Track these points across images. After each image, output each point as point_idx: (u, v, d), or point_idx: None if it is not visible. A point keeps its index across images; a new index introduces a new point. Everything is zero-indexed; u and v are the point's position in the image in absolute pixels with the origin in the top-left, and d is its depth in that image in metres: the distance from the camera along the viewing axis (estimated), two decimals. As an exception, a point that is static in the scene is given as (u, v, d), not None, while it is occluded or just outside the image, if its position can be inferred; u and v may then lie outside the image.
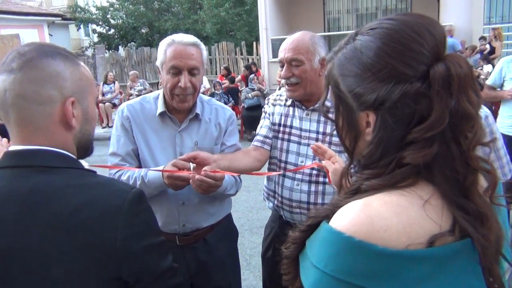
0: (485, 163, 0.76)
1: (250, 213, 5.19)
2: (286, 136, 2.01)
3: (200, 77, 1.81)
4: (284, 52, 1.87)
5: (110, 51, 17.92)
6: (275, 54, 12.46)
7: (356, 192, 0.79)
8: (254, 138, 2.08)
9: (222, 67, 12.24)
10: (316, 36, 1.91)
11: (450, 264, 0.71)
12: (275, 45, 12.59)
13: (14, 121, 0.97)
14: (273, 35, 12.78)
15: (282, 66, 1.89)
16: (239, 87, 10.66)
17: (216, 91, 9.89)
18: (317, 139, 1.94)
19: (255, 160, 1.97)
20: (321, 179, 1.91)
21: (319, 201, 1.91)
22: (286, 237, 0.85)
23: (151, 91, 11.01)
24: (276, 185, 2.03)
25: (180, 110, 1.85)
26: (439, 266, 0.70)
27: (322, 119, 1.95)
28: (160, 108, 1.85)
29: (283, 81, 1.94)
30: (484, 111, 1.86)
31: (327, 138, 1.91)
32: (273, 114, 2.08)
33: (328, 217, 0.76)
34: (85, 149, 1.09)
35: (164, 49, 1.77)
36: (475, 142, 0.74)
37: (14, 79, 0.94)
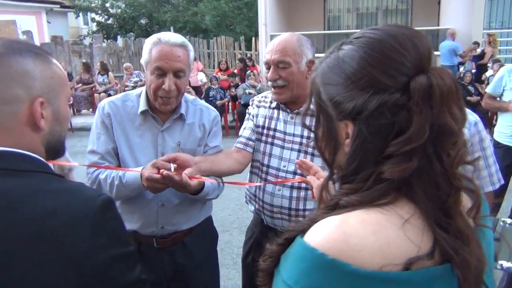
0: (469, 182, 0.74)
1: (240, 211, 5.16)
2: (269, 139, 1.97)
3: (185, 79, 1.76)
4: (270, 53, 1.83)
5: (108, 41, 17.82)
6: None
7: (335, 208, 0.76)
8: (237, 140, 2.04)
9: (223, 61, 12.20)
10: (303, 38, 1.86)
11: None
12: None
13: None
14: (272, 31, 12.72)
15: (268, 68, 1.85)
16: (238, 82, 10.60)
17: (213, 86, 9.84)
18: (301, 143, 1.90)
19: (237, 162, 1.93)
20: (303, 184, 1.87)
21: (301, 207, 1.88)
22: (267, 242, 0.83)
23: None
24: (257, 189, 1.99)
25: (163, 111, 1.80)
26: None
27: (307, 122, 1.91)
28: (142, 106, 1.80)
29: (269, 83, 1.89)
30: (474, 117, 1.83)
31: (312, 144, 1.87)
32: (257, 116, 2.04)
33: (305, 231, 0.73)
34: (55, 151, 1.04)
35: (150, 48, 1.71)
36: (458, 160, 0.72)
37: None
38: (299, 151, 1.90)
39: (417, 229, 0.70)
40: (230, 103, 10.14)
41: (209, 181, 1.73)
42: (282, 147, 1.93)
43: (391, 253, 0.66)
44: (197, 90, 10.60)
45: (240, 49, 15.00)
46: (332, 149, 0.83)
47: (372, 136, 0.72)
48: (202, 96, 9.80)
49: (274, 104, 1.99)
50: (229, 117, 10.30)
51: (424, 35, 0.78)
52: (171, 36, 1.72)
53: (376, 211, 0.71)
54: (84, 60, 12.96)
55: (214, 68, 13.45)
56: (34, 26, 18.10)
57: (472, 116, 1.83)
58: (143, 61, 1.75)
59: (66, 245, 0.85)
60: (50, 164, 1.04)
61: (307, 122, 1.89)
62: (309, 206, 1.88)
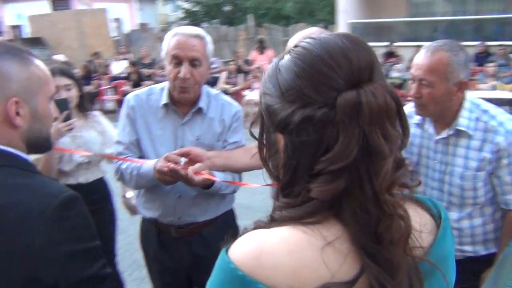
0: (400, 209, 0.67)
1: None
2: None
3: (202, 70, 1.78)
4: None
5: (192, 28, 18.39)
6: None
7: (271, 221, 0.73)
8: None
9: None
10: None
11: None
12: (354, 30, 12.05)
13: None
14: (351, 18, 12.27)
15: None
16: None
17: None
18: None
19: (257, 159, 1.91)
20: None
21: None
22: None
23: (223, 70, 11.15)
24: None
25: (183, 102, 1.84)
26: None
27: None
28: (164, 99, 1.85)
29: None
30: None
31: None
32: None
33: None
34: (37, 146, 1.11)
35: (168, 40, 1.78)
36: (388, 184, 0.65)
37: None
38: None
39: (339, 253, 0.65)
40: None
41: (214, 179, 1.73)
42: None
43: (305, 276, 0.63)
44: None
45: (318, 36, 14.71)
46: (274, 159, 0.80)
47: (296, 151, 0.69)
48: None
49: None
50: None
51: (367, 46, 0.71)
52: (187, 28, 1.80)
53: (300, 229, 0.67)
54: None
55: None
56: (127, 13, 19.33)
57: (511, 123, 1.63)
58: (163, 53, 1.81)
59: (20, 239, 0.91)
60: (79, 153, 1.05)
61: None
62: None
